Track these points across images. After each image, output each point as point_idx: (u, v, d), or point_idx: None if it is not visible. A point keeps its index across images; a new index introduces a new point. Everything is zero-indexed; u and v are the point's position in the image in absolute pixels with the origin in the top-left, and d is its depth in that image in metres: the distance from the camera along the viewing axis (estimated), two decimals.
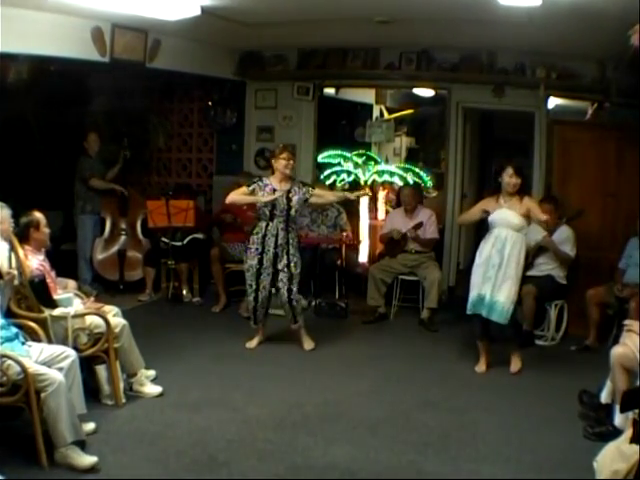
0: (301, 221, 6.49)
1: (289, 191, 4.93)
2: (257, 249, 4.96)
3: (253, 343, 5.17)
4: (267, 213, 4.93)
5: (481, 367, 4.69)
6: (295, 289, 5.01)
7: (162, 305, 6.36)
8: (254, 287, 5.01)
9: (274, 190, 4.91)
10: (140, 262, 6.64)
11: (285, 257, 4.95)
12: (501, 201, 4.56)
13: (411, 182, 6.77)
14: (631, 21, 3.68)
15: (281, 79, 6.98)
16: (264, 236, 4.94)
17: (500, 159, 5.65)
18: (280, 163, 4.92)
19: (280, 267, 4.97)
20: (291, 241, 4.96)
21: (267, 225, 4.94)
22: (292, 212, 4.93)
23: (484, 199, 4.78)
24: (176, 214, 6.26)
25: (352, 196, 5.43)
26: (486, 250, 4.57)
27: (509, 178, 4.48)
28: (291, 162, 4.96)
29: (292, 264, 4.96)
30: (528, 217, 4.52)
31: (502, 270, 4.47)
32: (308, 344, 5.13)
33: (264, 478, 3.16)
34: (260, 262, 4.96)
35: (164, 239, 6.39)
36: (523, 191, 4.56)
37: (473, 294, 4.58)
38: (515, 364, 4.67)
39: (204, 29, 5.52)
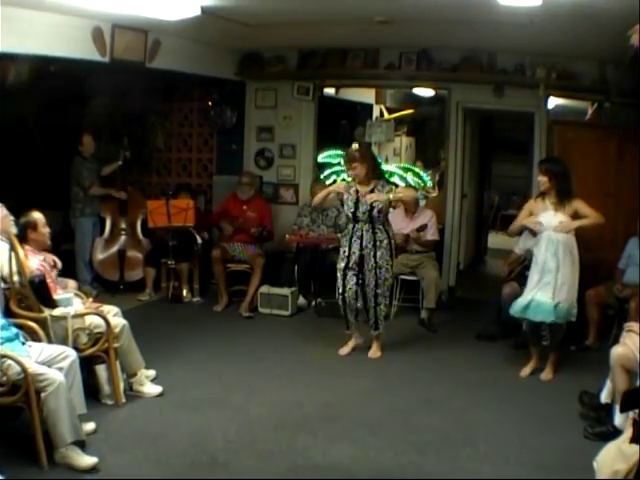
0: (301, 221, 6.50)
1: (372, 191, 4.85)
2: (344, 251, 4.95)
3: (346, 350, 5.09)
4: (350, 215, 4.92)
5: (526, 371, 4.63)
6: (382, 293, 4.92)
7: (162, 305, 6.36)
8: (340, 290, 4.98)
9: (357, 192, 4.88)
10: (140, 262, 6.64)
11: (372, 260, 4.88)
12: (547, 202, 4.51)
13: (411, 182, 6.76)
14: (631, 21, 3.68)
15: (281, 79, 6.98)
16: (351, 238, 4.92)
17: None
18: (351, 174, 4.97)
19: (367, 270, 4.90)
20: (378, 243, 4.87)
21: (353, 227, 4.92)
22: (374, 213, 4.84)
23: (531, 200, 4.67)
24: (176, 214, 6.26)
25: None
26: (541, 255, 4.50)
27: (538, 177, 4.52)
28: (353, 172, 4.87)
29: (378, 267, 4.88)
30: (577, 217, 4.46)
31: (561, 273, 4.42)
32: (373, 353, 5.05)
33: (264, 478, 3.16)
34: (347, 265, 4.93)
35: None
36: (569, 193, 4.47)
37: (527, 298, 4.49)
38: (550, 370, 4.59)
39: (204, 29, 5.52)
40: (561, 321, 4.45)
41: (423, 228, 5.98)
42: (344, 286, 4.95)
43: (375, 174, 4.91)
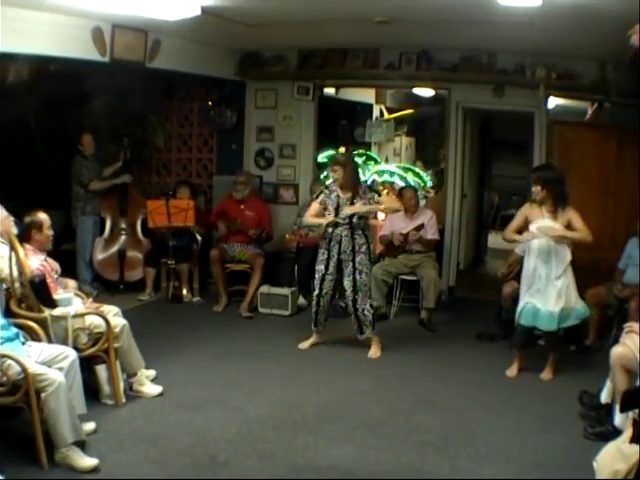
0: (300, 221, 6.50)
1: (353, 197, 4.92)
2: (324, 254, 5.00)
3: (306, 344, 5.18)
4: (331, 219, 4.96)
5: (512, 372, 4.65)
6: (361, 298, 4.97)
7: (162, 305, 6.37)
8: (317, 292, 5.05)
9: (338, 197, 4.94)
10: (140, 262, 6.64)
11: (350, 265, 4.93)
12: (544, 210, 4.51)
13: (412, 182, 6.77)
14: (631, 21, 3.69)
15: (281, 79, 6.98)
16: (330, 242, 4.97)
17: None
18: (330, 174, 5.02)
19: (345, 275, 4.97)
20: (357, 248, 4.92)
21: (332, 231, 4.96)
22: (354, 219, 4.90)
23: (527, 205, 4.64)
24: (176, 214, 6.27)
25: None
26: (532, 262, 4.51)
27: (532, 188, 4.51)
28: (335, 175, 4.92)
29: (357, 272, 4.93)
30: (569, 227, 4.47)
31: (552, 280, 4.44)
32: (373, 353, 5.06)
33: (264, 478, 3.16)
34: (326, 268, 4.99)
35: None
36: (565, 201, 4.47)
37: (521, 305, 4.54)
38: (549, 371, 4.60)
39: (204, 29, 5.52)
40: (563, 325, 4.47)
41: (420, 228, 5.98)
42: (321, 289, 5.02)
43: (354, 181, 4.98)
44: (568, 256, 4.48)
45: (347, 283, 4.97)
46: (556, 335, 4.52)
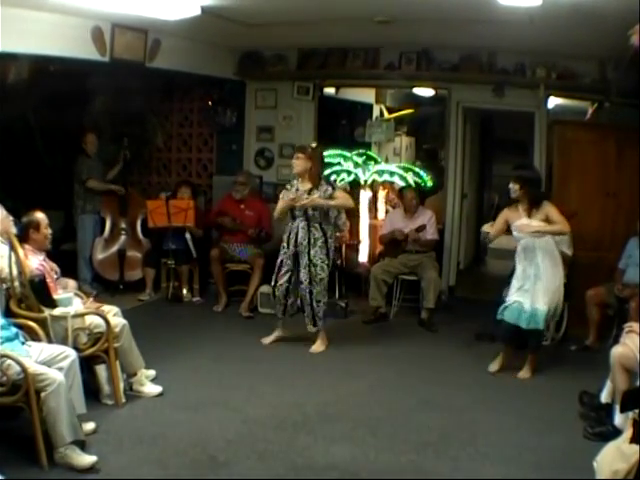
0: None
1: (310, 190, 4.98)
2: (283, 247, 5.07)
3: (269, 339, 5.23)
4: (288, 212, 5.04)
5: (494, 367, 4.68)
6: (316, 290, 5.00)
7: (162, 305, 6.36)
8: (273, 283, 5.13)
9: (297, 190, 5.02)
10: (140, 262, 6.64)
11: (306, 257, 4.97)
12: (520, 209, 4.54)
13: (412, 183, 6.75)
14: (631, 21, 3.68)
15: (281, 79, 6.98)
16: (289, 234, 5.04)
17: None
18: (292, 164, 5.10)
19: (301, 267, 5.01)
20: (313, 241, 4.97)
21: (291, 224, 5.05)
22: (309, 211, 4.96)
23: (506, 210, 4.68)
24: (176, 214, 6.27)
25: None
26: (520, 264, 4.55)
27: (510, 185, 4.54)
28: (297, 161, 5.01)
29: (312, 264, 4.97)
30: (549, 221, 4.48)
31: (541, 280, 4.45)
32: (316, 347, 5.11)
33: (264, 478, 3.16)
34: (284, 259, 5.06)
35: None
36: (539, 201, 4.50)
37: (508, 301, 4.57)
38: (527, 370, 4.61)
39: (204, 29, 5.52)
40: (542, 326, 4.48)
41: (422, 229, 5.98)
42: (276, 281, 5.10)
43: (315, 175, 5.04)
44: (557, 255, 4.50)
45: (303, 275, 5.01)
46: (540, 332, 4.53)
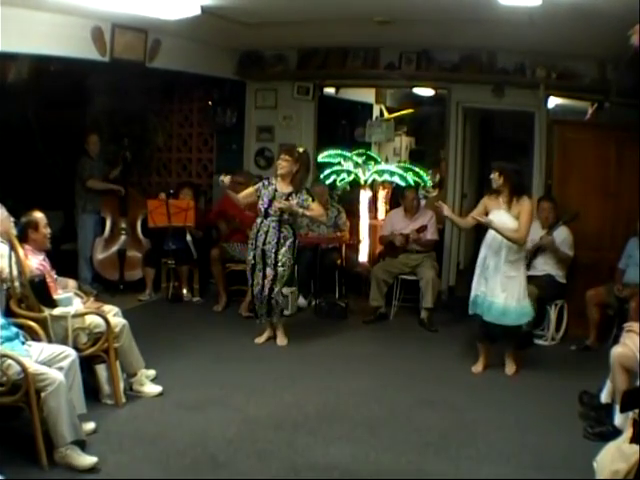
0: (301, 221, 6.50)
1: (289, 194, 5.01)
2: (252, 244, 5.10)
3: (261, 339, 5.25)
4: (262, 210, 5.05)
5: (477, 368, 4.69)
6: (277, 289, 5.06)
7: (162, 305, 6.36)
8: (250, 282, 5.15)
9: (275, 191, 5.03)
10: (140, 262, 6.64)
11: (273, 256, 5.01)
12: (500, 201, 4.54)
13: (412, 183, 6.75)
14: (631, 21, 3.68)
15: (281, 79, 6.99)
16: (257, 232, 5.06)
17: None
18: (277, 165, 5.13)
19: (268, 265, 5.04)
20: (282, 241, 5.01)
21: (261, 222, 5.06)
22: (285, 215, 5.00)
23: (486, 197, 4.71)
24: (176, 214, 6.27)
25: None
26: (483, 251, 4.58)
27: (491, 175, 4.54)
28: (283, 163, 5.03)
29: (279, 264, 5.01)
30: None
31: (500, 271, 4.46)
32: (280, 341, 5.21)
33: (264, 478, 3.16)
34: (254, 258, 5.08)
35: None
36: (520, 192, 4.51)
37: (472, 295, 4.62)
38: (510, 367, 4.64)
39: (204, 29, 5.52)
40: (511, 323, 4.47)
41: (423, 229, 5.98)
42: (252, 280, 5.12)
43: (297, 181, 5.06)
44: (520, 250, 4.49)
45: (268, 272, 5.04)
46: (509, 329, 4.50)
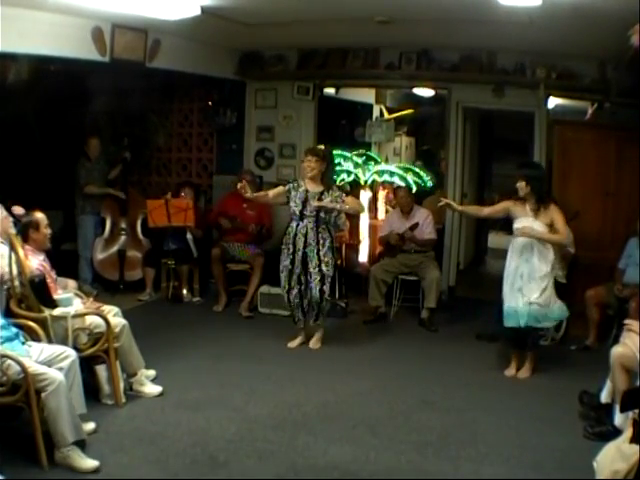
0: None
1: (321, 193, 4.99)
2: (289, 249, 5.04)
3: (294, 343, 5.21)
4: (297, 213, 5.01)
5: (511, 371, 4.66)
6: (328, 289, 5.04)
7: (162, 305, 6.36)
8: (286, 287, 5.09)
9: (306, 192, 5.00)
10: (140, 262, 6.64)
11: (316, 257, 4.98)
12: (527, 208, 4.52)
13: (411, 182, 6.75)
14: (631, 21, 3.69)
15: (281, 79, 6.98)
16: (295, 236, 5.01)
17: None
18: (303, 167, 5.09)
19: (311, 267, 5.01)
20: (322, 241, 4.99)
21: (297, 225, 5.02)
22: (322, 214, 4.97)
23: (510, 202, 4.64)
24: (176, 214, 6.27)
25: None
26: (513, 261, 4.53)
27: (517, 184, 4.51)
28: (312, 164, 4.99)
29: (323, 264, 4.99)
30: (552, 226, 4.46)
31: (534, 277, 4.44)
32: (314, 344, 5.16)
33: (264, 478, 3.16)
34: (292, 262, 5.03)
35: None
36: (545, 199, 4.50)
37: (506, 306, 4.55)
38: (527, 370, 4.62)
39: (204, 29, 5.52)
40: (541, 325, 4.49)
41: (415, 227, 5.97)
42: (290, 285, 5.07)
43: (327, 179, 5.07)
44: (550, 255, 4.49)
45: (314, 275, 5.01)
46: (537, 333, 4.54)
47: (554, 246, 4.52)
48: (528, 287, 4.46)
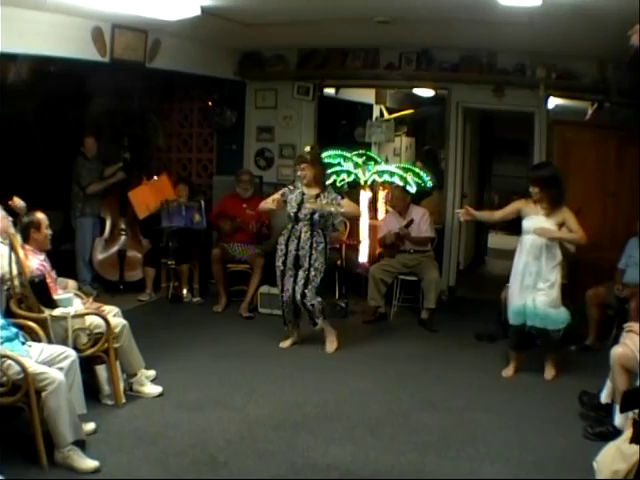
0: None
1: (317, 196, 4.99)
2: (282, 250, 5.05)
3: (286, 343, 5.22)
4: (292, 215, 5.02)
5: (508, 372, 4.66)
6: (310, 294, 4.99)
7: (162, 305, 6.37)
8: (280, 288, 5.10)
9: (303, 194, 5.01)
10: (140, 262, 6.64)
11: (307, 261, 4.98)
12: (538, 207, 4.49)
13: (411, 183, 6.74)
14: (631, 21, 3.68)
15: (281, 79, 6.99)
16: (288, 238, 5.02)
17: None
18: (299, 177, 5.10)
19: (301, 270, 5.01)
20: (315, 245, 4.98)
21: (292, 227, 5.03)
22: (315, 217, 4.97)
23: (522, 202, 4.61)
24: (156, 193, 6.36)
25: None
26: (522, 259, 4.51)
27: (530, 188, 4.48)
28: (305, 172, 5.01)
29: (312, 269, 4.98)
30: (561, 226, 4.46)
31: (541, 276, 4.44)
32: (328, 347, 5.14)
33: (264, 478, 3.16)
34: (284, 263, 5.03)
35: None
36: (560, 199, 4.47)
37: (514, 305, 4.53)
38: (549, 371, 4.60)
39: (204, 29, 5.52)
40: (552, 327, 4.46)
41: (410, 224, 5.97)
42: (282, 285, 5.07)
43: (321, 179, 5.10)
44: (558, 255, 4.49)
45: (300, 277, 5.00)
46: (549, 334, 4.51)
47: (562, 247, 4.51)
48: (537, 286, 4.45)
